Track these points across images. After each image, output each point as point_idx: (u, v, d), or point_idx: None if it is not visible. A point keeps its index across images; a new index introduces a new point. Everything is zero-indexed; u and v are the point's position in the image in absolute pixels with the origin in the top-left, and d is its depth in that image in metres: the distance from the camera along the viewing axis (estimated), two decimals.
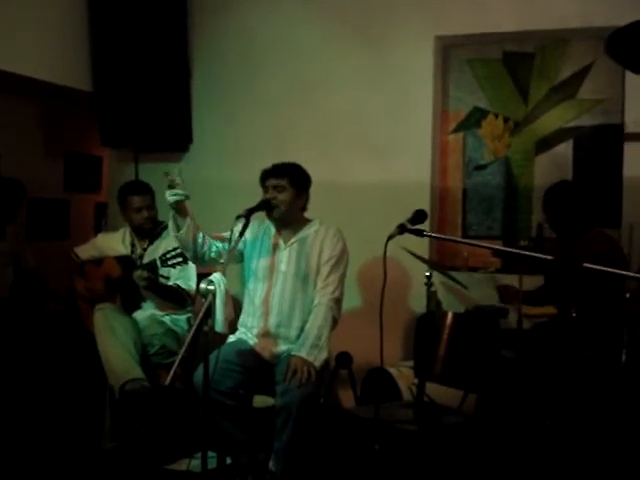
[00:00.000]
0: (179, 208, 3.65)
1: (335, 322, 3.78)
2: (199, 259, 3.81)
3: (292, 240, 3.86)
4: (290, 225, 3.88)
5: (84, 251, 4.53)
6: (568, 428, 3.53)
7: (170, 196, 3.59)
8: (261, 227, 3.94)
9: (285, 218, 3.84)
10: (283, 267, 3.83)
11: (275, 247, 3.88)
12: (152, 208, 4.40)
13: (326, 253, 3.80)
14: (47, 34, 4.88)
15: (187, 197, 3.64)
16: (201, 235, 3.74)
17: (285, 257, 3.84)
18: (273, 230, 3.92)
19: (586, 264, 2.42)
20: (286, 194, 3.78)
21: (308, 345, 3.63)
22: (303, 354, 3.60)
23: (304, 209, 3.91)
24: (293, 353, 3.63)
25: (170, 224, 3.72)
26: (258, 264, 3.89)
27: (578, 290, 3.54)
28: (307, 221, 3.92)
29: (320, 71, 5.05)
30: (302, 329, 3.77)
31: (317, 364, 3.61)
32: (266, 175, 3.83)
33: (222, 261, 3.80)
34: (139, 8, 5.01)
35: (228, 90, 5.28)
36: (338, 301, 3.79)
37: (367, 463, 3.39)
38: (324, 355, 3.65)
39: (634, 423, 3.43)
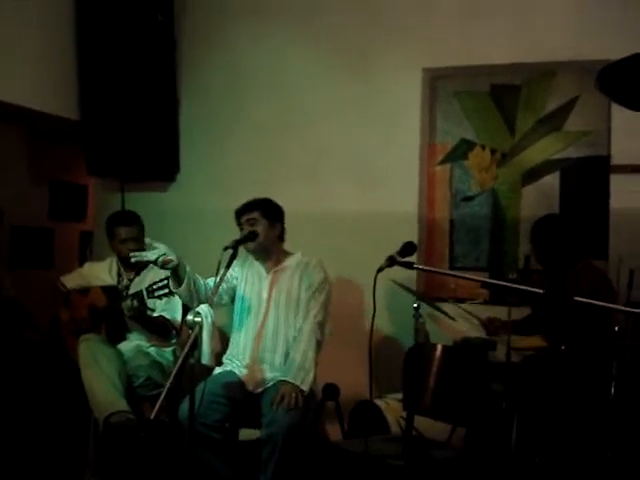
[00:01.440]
0: (176, 270, 3.69)
1: (319, 345, 3.82)
2: (205, 302, 3.79)
3: (275, 269, 3.95)
4: (270, 257, 3.98)
5: (70, 280, 4.49)
6: (558, 462, 3.50)
7: (163, 268, 3.64)
8: (246, 262, 4.03)
9: (264, 249, 3.94)
10: (265, 295, 3.91)
11: (259, 278, 3.97)
12: (139, 240, 4.36)
13: (306, 283, 3.89)
14: (34, 62, 4.86)
15: (177, 262, 3.67)
16: (201, 283, 3.83)
17: (267, 286, 3.93)
18: (259, 265, 4.01)
19: (576, 297, 2.41)
20: (260, 226, 3.90)
21: (294, 368, 3.69)
22: (290, 378, 3.65)
23: (281, 240, 4.00)
24: (281, 379, 3.67)
25: (170, 282, 3.79)
26: (250, 296, 3.96)
27: (568, 323, 3.54)
28: (288, 254, 4.01)
29: (307, 101, 5.07)
30: (287, 355, 3.81)
31: (305, 387, 3.65)
32: (239, 213, 3.98)
33: (224, 302, 3.98)
34: (127, 38, 5.01)
35: (216, 119, 5.28)
36: (321, 325, 3.85)
37: None
38: (311, 377, 3.70)
39: (624, 456, 3.41)
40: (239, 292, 4.00)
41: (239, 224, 3.96)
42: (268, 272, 3.96)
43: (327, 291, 3.92)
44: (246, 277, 4.01)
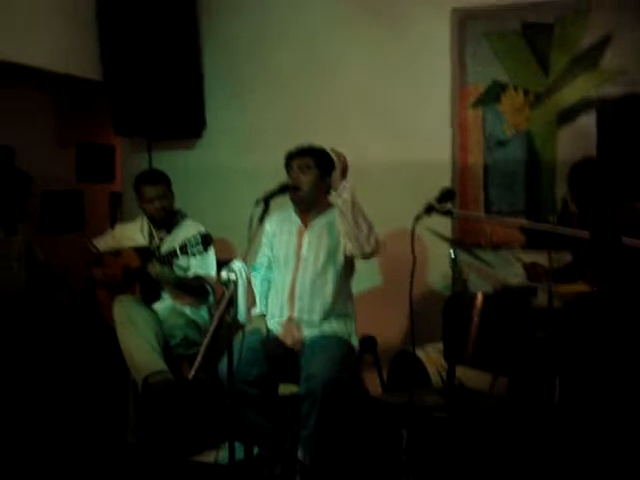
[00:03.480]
0: None
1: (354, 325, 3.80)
2: None
3: (315, 224, 3.83)
4: (313, 208, 3.85)
5: (102, 242, 4.48)
6: (604, 412, 3.44)
7: None
8: (284, 216, 3.93)
9: (308, 201, 3.82)
10: (305, 252, 3.80)
11: (299, 233, 3.87)
12: (165, 198, 4.32)
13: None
14: (55, 24, 4.80)
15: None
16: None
17: (307, 241, 3.82)
18: (295, 217, 3.89)
19: (625, 239, 2.32)
20: (310, 175, 3.75)
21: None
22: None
23: (328, 192, 3.84)
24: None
25: None
26: (282, 252, 3.88)
27: (615, 265, 3.44)
28: (331, 205, 3.86)
29: (335, 51, 4.94)
30: (325, 314, 3.75)
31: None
32: (291, 156, 3.81)
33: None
34: None
35: (241, 74, 5.19)
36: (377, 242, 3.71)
37: (397, 450, 3.33)
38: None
39: None
40: (274, 247, 3.94)
41: (288, 167, 3.79)
42: (304, 225, 3.85)
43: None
44: (280, 231, 3.92)
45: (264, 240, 3.99)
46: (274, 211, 3.82)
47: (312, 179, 3.75)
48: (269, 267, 3.97)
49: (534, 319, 3.42)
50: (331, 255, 3.77)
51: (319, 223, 3.84)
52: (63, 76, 4.94)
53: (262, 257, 3.99)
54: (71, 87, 5.57)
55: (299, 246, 3.84)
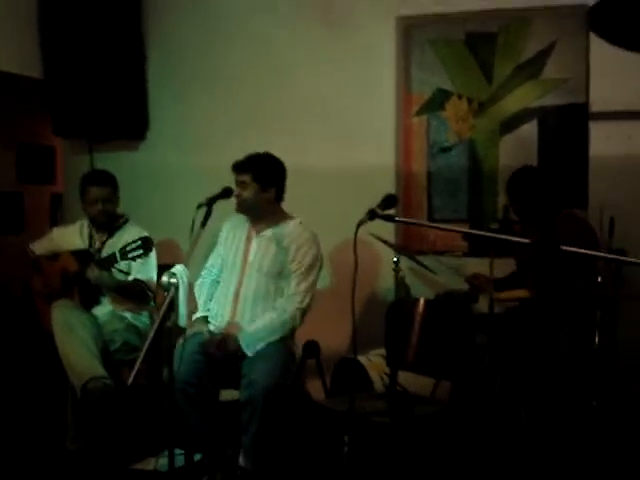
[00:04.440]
0: None
1: (293, 330, 3.78)
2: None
3: (265, 233, 3.83)
4: (264, 219, 3.84)
5: (39, 246, 4.37)
6: (543, 414, 3.49)
7: None
8: (240, 221, 3.92)
9: (252, 214, 3.84)
10: (251, 257, 3.80)
11: (248, 239, 3.86)
12: (109, 201, 4.24)
13: (297, 261, 3.75)
14: None
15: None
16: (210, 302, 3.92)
17: (255, 248, 3.82)
18: (248, 223, 3.90)
19: (564, 247, 2.36)
20: (249, 190, 3.76)
21: (256, 336, 3.64)
22: (240, 337, 3.63)
23: (279, 201, 3.84)
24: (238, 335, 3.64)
25: None
26: (230, 256, 3.87)
27: (554, 272, 3.49)
28: (285, 217, 3.87)
29: (281, 55, 4.94)
30: None
31: (249, 353, 3.61)
32: (233, 169, 3.80)
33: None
34: None
35: (185, 75, 5.14)
36: (303, 312, 3.76)
37: (339, 456, 3.33)
38: (260, 346, 3.64)
39: (609, 405, 3.40)
40: (224, 250, 3.93)
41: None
42: (255, 234, 3.84)
43: (317, 271, 3.79)
44: (233, 235, 3.91)
45: (219, 242, 3.98)
46: (232, 215, 3.87)
47: (250, 195, 3.75)
48: (221, 269, 3.94)
49: (475, 324, 3.46)
50: (276, 266, 3.76)
51: (269, 233, 3.82)
52: (2, 74, 4.82)
53: (216, 258, 3.97)
54: (11, 86, 5.44)
55: (246, 252, 3.83)
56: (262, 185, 3.75)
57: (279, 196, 3.83)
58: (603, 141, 4.35)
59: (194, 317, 3.89)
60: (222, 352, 3.61)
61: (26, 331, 4.54)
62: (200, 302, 3.92)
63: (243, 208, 3.81)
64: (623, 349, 4.02)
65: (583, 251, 2.40)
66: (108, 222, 4.27)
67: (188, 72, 5.14)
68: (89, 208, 4.24)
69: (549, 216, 3.85)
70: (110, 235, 4.27)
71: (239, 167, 3.77)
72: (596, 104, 4.36)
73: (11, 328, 4.80)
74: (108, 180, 4.28)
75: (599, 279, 3.38)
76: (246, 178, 3.74)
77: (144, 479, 3.63)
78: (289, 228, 3.82)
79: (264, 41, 4.97)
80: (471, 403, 3.53)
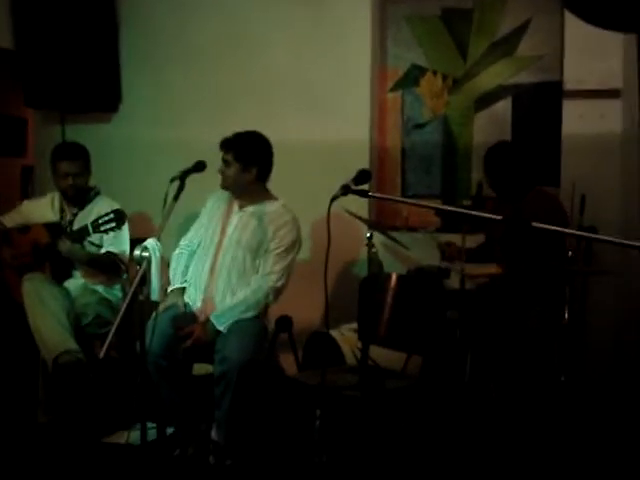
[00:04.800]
0: None
1: (265, 307, 3.78)
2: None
3: (247, 209, 3.82)
4: (246, 197, 3.84)
5: (9, 219, 4.31)
6: (512, 389, 3.54)
7: None
8: (224, 196, 3.91)
9: (234, 191, 3.85)
10: (230, 231, 3.79)
11: (228, 213, 3.86)
12: (80, 175, 4.19)
13: (276, 241, 3.75)
14: None
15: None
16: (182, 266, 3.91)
17: (235, 222, 3.81)
18: (231, 198, 3.89)
19: (534, 223, 2.38)
20: (231, 169, 3.77)
21: (229, 313, 3.64)
22: (212, 316, 3.63)
23: (262, 180, 3.84)
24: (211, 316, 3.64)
25: None
26: (210, 229, 3.87)
27: (524, 249, 3.53)
28: (269, 197, 3.87)
29: (253, 26, 4.89)
30: None
31: (222, 329, 3.61)
32: (219, 146, 3.80)
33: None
34: None
35: (158, 46, 5.08)
36: (278, 291, 3.77)
37: (311, 429, 3.35)
38: (231, 322, 3.64)
39: (577, 380, 3.46)
40: (202, 223, 3.92)
41: None
42: (237, 209, 3.83)
43: (295, 254, 3.79)
44: (216, 208, 3.91)
45: (202, 214, 3.97)
46: (217, 190, 3.87)
47: (231, 174, 3.76)
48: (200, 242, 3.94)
49: (446, 300, 3.49)
50: (254, 241, 3.76)
51: (252, 210, 3.81)
52: None
53: (198, 229, 3.96)
54: None
55: (225, 225, 3.82)
56: (244, 164, 3.75)
57: (262, 176, 3.82)
58: (576, 119, 4.37)
59: (170, 288, 3.88)
60: (197, 343, 3.60)
61: None
62: (177, 273, 3.91)
63: (226, 185, 3.82)
64: (592, 324, 4.08)
65: (554, 228, 2.41)
66: (79, 195, 4.23)
67: (161, 44, 5.07)
68: (59, 182, 4.20)
69: (522, 192, 3.89)
70: (81, 208, 4.24)
71: (224, 145, 3.78)
72: (570, 82, 4.37)
73: None
74: (78, 154, 4.23)
75: (569, 254, 3.42)
76: (229, 157, 3.75)
77: (116, 452, 3.64)
78: (272, 208, 3.81)
79: (238, 15, 4.91)
80: (442, 378, 3.57)
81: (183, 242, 3.98)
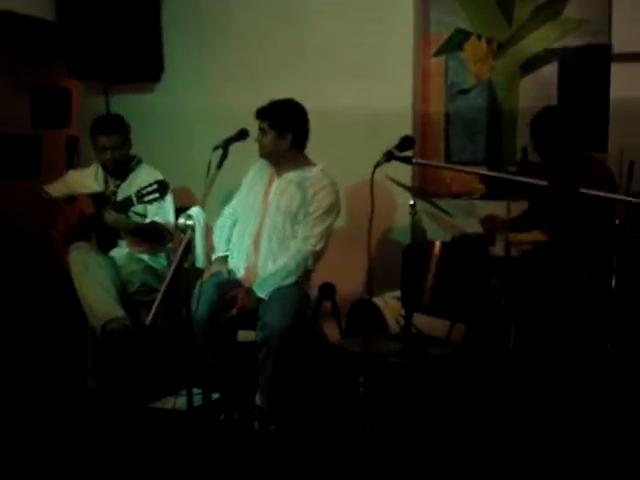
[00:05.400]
0: None
1: (307, 271, 3.78)
2: None
3: (286, 175, 3.83)
4: (284, 164, 3.85)
5: (54, 189, 4.36)
6: (558, 357, 3.51)
7: None
8: (263, 165, 3.93)
9: (271, 159, 3.86)
10: (271, 199, 3.80)
11: (269, 181, 3.88)
12: (119, 149, 4.22)
13: (315, 205, 3.74)
14: None
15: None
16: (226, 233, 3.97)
17: (277, 189, 3.83)
18: (270, 167, 3.90)
19: (581, 190, 2.33)
20: (267, 137, 3.79)
21: (271, 280, 3.67)
22: (255, 285, 3.67)
23: (298, 147, 3.84)
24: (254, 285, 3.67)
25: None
26: (251, 197, 3.89)
27: (571, 215, 3.47)
28: (307, 163, 3.87)
29: None
30: None
31: (263, 296, 3.65)
32: (255, 115, 3.81)
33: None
34: None
35: (200, 17, 5.08)
36: (318, 255, 3.77)
37: (354, 396, 3.37)
38: (274, 288, 3.67)
39: (623, 349, 3.41)
40: (244, 192, 3.95)
41: None
42: (275, 177, 3.85)
43: (333, 217, 3.79)
44: (257, 178, 3.93)
45: (244, 183, 3.99)
46: (259, 159, 3.90)
47: (268, 142, 3.78)
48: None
49: (491, 267, 3.45)
50: (293, 206, 3.76)
51: (290, 176, 3.81)
52: (15, 15, 4.78)
53: (240, 198, 3.98)
54: (25, 28, 5.39)
55: (267, 193, 3.84)
56: (279, 132, 3.76)
57: (299, 142, 3.83)
58: (625, 83, 4.27)
59: (214, 257, 3.92)
60: (242, 311, 3.63)
61: (45, 272, 4.59)
62: (221, 241, 3.95)
63: (263, 154, 3.85)
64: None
65: (601, 194, 2.37)
66: (120, 167, 4.27)
67: (203, 15, 5.07)
68: (99, 155, 4.26)
69: (570, 158, 3.81)
70: (123, 179, 4.28)
71: (259, 114, 3.79)
72: (618, 45, 4.26)
73: (30, 270, 4.85)
74: (115, 127, 4.25)
75: (617, 222, 3.35)
76: (264, 125, 3.77)
77: (162, 417, 3.70)
78: (310, 173, 3.82)
79: None
80: (486, 346, 3.55)
81: (227, 210, 4.00)
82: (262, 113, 3.79)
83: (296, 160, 3.84)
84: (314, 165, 3.86)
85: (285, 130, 3.77)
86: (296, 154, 3.85)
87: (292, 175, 3.81)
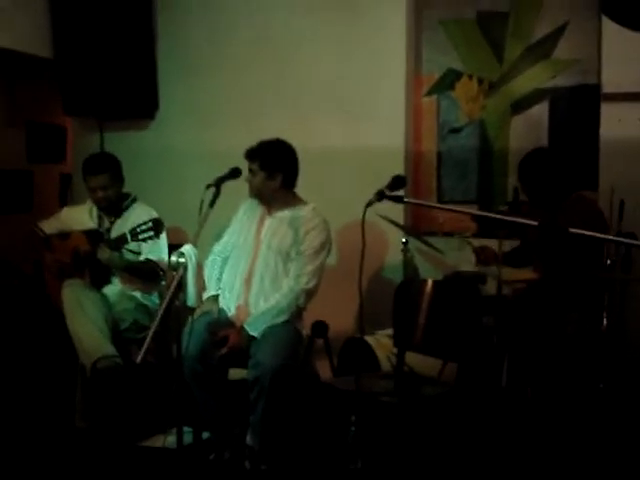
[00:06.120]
0: None
1: (298, 310, 3.78)
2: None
3: (277, 214, 3.85)
4: (275, 203, 3.86)
5: (49, 225, 4.38)
6: (550, 395, 3.50)
7: None
8: (254, 203, 3.93)
9: (262, 199, 3.87)
10: (265, 238, 3.82)
11: (261, 219, 3.88)
12: (109, 188, 4.21)
13: (306, 243, 3.76)
14: (5, 0, 4.67)
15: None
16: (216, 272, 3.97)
17: (269, 228, 3.83)
18: (261, 205, 3.91)
19: (571, 229, 2.35)
20: (257, 178, 3.80)
21: (262, 318, 3.66)
22: (245, 323, 3.66)
23: (288, 187, 3.85)
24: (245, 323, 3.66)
25: None
26: (243, 235, 3.90)
27: (561, 255, 3.49)
28: (298, 202, 3.88)
29: (290, 35, 4.91)
30: None
31: (255, 334, 3.64)
32: (244, 156, 3.82)
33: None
34: None
35: (195, 54, 5.13)
36: (310, 293, 3.77)
37: (346, 435, 3.35)
38: (264, 327, 3.66)
39: (616, 387, 3.41)
40: (235, 230, 3.95)
41: None
42: (266, 216, 3.86)
43: (325, 255, 3.79)
44: (247, 216, 3.94)
45: (235, 220, 4.00)
46: (248, 198, 3.91)
47: (258, 183, 3.80)
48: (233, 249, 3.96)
49: (483, 305, 3.46)
50: (285, 245, 3.77)
51: (282, 215, 3.83)
52: (12, 52, 4.82)
53: (231, 236, 3.98)
54: (21, 65, 5.44)
55: (259, 232, 3.84)
56: (269, 173, 3.78)
57: (289, 182, 3.84)
58: (614, 123, 4.33)
59: (204, 296, 3.91)
60: (233, 350, 3.63)
61: (37, 309, 4.57)
62: (212, 280, 3.95)
63: (254, 194, 3.87)
64: (631, 332, 4.02)
65: (590, 234, 2.39)
66: (112, 206, 4.27)
67: (198, 53, 5.12)
68: (90, 195, 4.27)
69: (559, 198, 3.84)
70: (118, 216, 4.28)
71: (248, 155, 3.80)
72: (608, 85, 4.34)
73: (22, 306, 4.83)
74: (104, 167, 4.23)
75: (608, 262, 3.37)
76: (254, 166, 3.78)
77: (152, 456, 3.67)
78: (302, 212, 3.83)
79: (273, 23, 4.94)
80: (478, 385, 3.54)
81: (216, 248, 4.01)
82: (251, 154, 3.80)
83: (287, 199, 3.86)
84: (305, 204, 3.88)
85: (275, 171, 3.78)
86: (287, 193, 3.86)
87: (283, 214, 3.83)
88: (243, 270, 3.82)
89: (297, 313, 3.78)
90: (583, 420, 3.43)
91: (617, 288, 3.60)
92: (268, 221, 3.84)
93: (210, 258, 3.99)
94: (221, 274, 3.95)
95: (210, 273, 3.97)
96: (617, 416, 3.42)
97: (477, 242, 4.32)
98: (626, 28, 2.77)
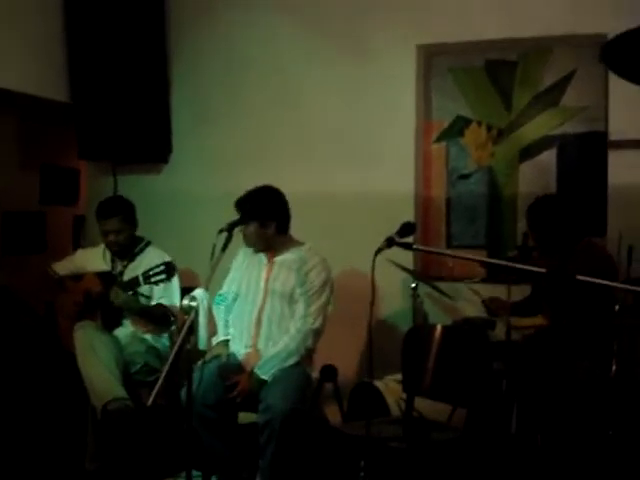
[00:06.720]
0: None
1: (307, 351, 3.79)
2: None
3: (276, 259, 3.88)
4: (274, 248, 3.88)
5: (62, 267, 4.43)
6: (559, 442, 3.48)
7: None
8: (252, 250, 3.95)
9: (259, 248, 3.89)
10: (272, 283, 3.84)
11: (266, 265, 3.90)
12: (121, 232, 4.26)
13: (308, 284, 3.79)
14: (23, 45, 4.78)
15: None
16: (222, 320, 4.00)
17: (274, 273, 3.86)
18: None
19: (579, 276, 2.37)
20: (250, 228, 3.81)
21: (272, 362, 3.68)
22: (256, 368, 3.68)
23: (282, 232, 3.88)
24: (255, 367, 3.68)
25: None
26: (248, 282, 3.92)
27: (570, 302, 3.50)
28: (295, 244, 3.92)
29: (301, 82, 5.00)
30: None
31: (266, 378, 3.65)
32: (234, 207, 3.83)
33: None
34: (117, 18, 4.93)
35: (208, 101, 5.21)
36: (317, 332, 3.79)
37: None
38: (276, 369, 3.68)
39: (626, 435, 3.39)
40: (239, 277, 3.97)
41: None
42: (267, 261, 3.89)
43: (328, 293, 3.83)
44: (250, 262, 3.96)
45: (234, 267, 4.01)
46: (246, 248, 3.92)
47: (251, 233, 3.82)
48: (237, 295, 3.98)
49: (492, 351, 3.47)
50: (287, 290, 3.81)
51: (281, 259, 3.87)
52: (29, 97, 4.90)
53: (231, 283, 4.00)
54: (37, 109, 5.53)
55: (267, 278, 3.87)
56: (261, 222, 3.80)
57: (282, 227, 3.87)
58: (622, 169, 4.37)
59: (214, 341, 3.93)
60: (243, 394, 3.65)
61: (48, 350, 4.59)
62: (220, 326, 3.97)
63: (249, 244, 3.88)
64: None
65: (599, 281, 2.41)
66: (124, 249, 4.32)
67: (210, 98, 5.20)
68: (103, 238, 4.31)
69: (568, 245, 3.86)
70: (131, 259, 4.33)
71: (238, 206, 3.80)
72: (615, 133, 4.38)
73: (34, 347, 4.85)
74: (115, 211, 4.27)
75: (616, 308, 3.38)
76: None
77: None
78: (300, 253, 3.86)
79: (285, 68, 5.04)
80: (487, 430, 3.53)
81: (217, 297, 4.02)
82: (240, 205, 3.80)
83: (284, 243, 3.89)
84: (302, 244, 3.91)
85: (267, 218, 3.81)
86: (282, 238, 3.89)
87: (282, 258, 3.86)
88: (250, 317, 3.85)
89: (307, 355, 3.80)
90: (593, 467, 3.41)
91: (626, 334, 3.59)
92: (275, 268, 3.87)
93: (214, 307, 4.02)
94: (227, 320, 3.98)
95: (218, 318, 4.00)
96: (627, 463, 3.40)
97: (486, 288, 4.35)
98: (628, 81, 2.81)
